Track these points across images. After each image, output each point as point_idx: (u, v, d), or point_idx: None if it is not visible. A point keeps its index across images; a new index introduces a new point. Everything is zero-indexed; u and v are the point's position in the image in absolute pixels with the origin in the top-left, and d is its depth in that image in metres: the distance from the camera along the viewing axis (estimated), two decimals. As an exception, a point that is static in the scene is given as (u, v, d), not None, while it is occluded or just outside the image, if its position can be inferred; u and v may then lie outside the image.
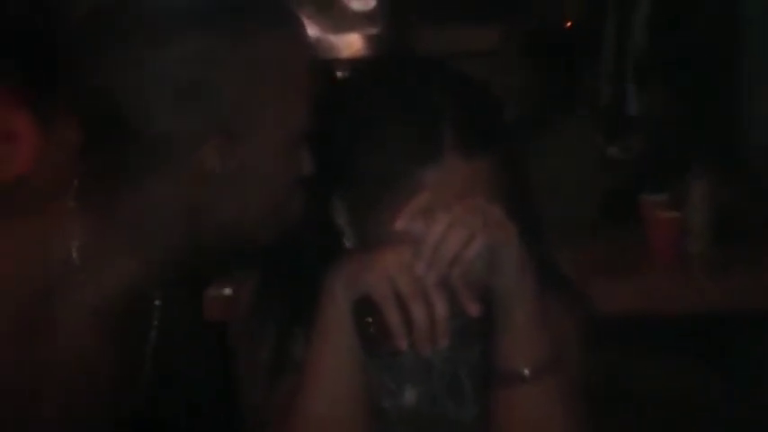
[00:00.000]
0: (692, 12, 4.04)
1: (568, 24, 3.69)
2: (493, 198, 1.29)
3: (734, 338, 2.70)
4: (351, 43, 4.94)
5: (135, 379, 1.34)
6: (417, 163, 1.31)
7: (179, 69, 1.15)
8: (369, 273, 1.24)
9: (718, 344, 2.73)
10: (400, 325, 1.21)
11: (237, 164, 1.19)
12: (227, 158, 1.18)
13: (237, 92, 1.17)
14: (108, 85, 1.17)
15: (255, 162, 1.21)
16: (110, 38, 1.18)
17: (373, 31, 4.95)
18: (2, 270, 1.19)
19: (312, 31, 5.01)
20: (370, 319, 1.23)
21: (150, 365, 1.35)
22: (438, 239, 1.23)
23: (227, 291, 1.51)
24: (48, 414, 1.21)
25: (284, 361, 1.39)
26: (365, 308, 1.24)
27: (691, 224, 2.82)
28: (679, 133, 3.46)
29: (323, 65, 1.35)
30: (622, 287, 2.64)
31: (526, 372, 1.30)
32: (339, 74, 1.52)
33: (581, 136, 3.36)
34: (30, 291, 1.18)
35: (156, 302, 1.34)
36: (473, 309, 1.24)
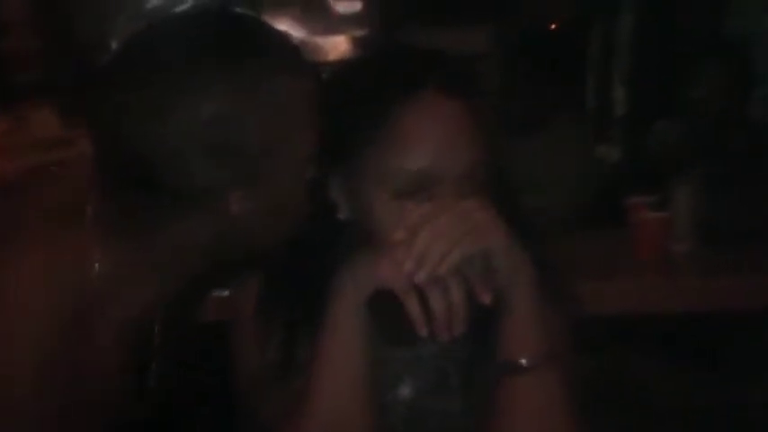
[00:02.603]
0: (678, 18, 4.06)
1: (555, 26, 3.71)
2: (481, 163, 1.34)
3: (718, 339, 2.72)
4: (337, 45, 4.95)
5: (141, 379, 1.37)
6: (397, 102, 1.34)
7: (205, 126, 1.17)
8: (386, 268, 1.28)
9: (702, 344, 2.75)
10: (421, 315, 1.26)
11: (258, 201, 1.22)
12: (249, 202, 1.21)
13: (260, 141, 1.20)
14: (131, 137, 1.18)
15: (274, 194, 1.24)
16: (133, 90, 1.19)
17: (359, 33, 4.97)
18: (36, 297, 1.21)
19: (299, 33, 5.02)
20: (387, 311, 1.27)
21: (154, 366, 1.38)
22: (421, 252, 1.27)
23: (226, 292, 1.52)
24: (68, 421, 1.23)
25: (289, 362, 1.41)
26: (381, 301, 1.28)
27: (676, 225, 2.84)
28: (665, 134, 3.47)
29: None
30: (608, 288, 2.65)
31: (524, 362, 1.33)
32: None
33: (569, 137, 3.37)
34: (61, 314, 1.21)
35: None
36: (485, 297, 1.28)
